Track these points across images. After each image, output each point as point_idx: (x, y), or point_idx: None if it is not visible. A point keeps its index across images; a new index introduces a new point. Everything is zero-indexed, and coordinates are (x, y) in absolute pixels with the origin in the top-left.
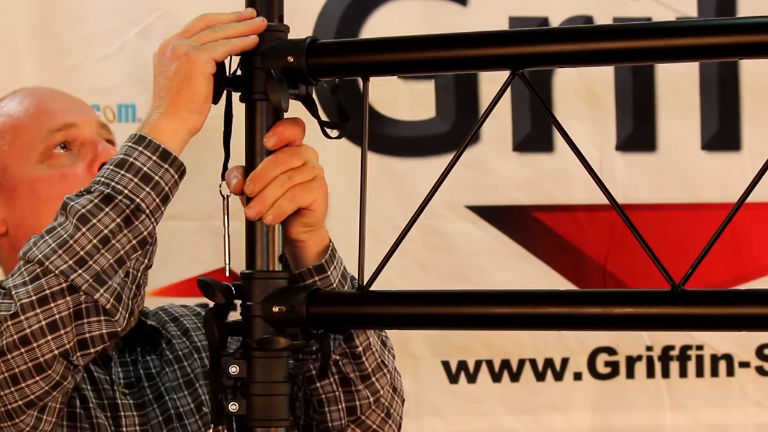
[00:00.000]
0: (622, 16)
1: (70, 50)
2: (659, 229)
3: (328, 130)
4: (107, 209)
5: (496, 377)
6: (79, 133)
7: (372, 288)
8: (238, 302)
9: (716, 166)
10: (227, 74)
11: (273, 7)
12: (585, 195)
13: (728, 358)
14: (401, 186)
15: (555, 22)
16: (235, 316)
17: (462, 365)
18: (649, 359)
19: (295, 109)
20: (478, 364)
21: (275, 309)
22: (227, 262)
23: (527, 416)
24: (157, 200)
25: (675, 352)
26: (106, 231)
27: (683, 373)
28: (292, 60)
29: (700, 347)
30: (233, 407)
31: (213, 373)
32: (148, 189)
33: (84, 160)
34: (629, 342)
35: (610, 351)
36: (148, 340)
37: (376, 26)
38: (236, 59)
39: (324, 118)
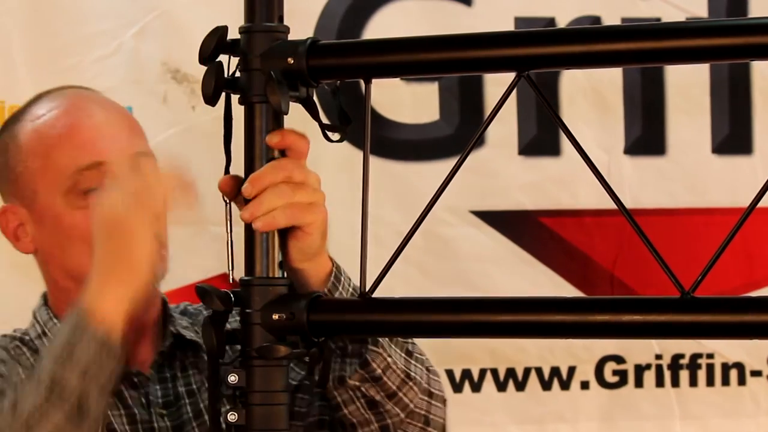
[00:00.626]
0: (630, 17)
1: (66, 51)
2: (668, 234)
3: (329, 134)
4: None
5: (501, 386)
6: (108, 171)
7: (374, 295)
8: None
9: (727, 169)
10: (226, 76)
11: (273, 7)
12: (592, 199)
13: (740, 366)
14: (404, 190)
15: (562, 23)
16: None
17: (466, 374)
18: (659, 368)
19: (296, 111)
20: (482, 372)
21: (275, 316)
22: (230, 269)
23: (533, 426)
24: (104, 393)
25: (685, 361)
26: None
27: (693, 382)
28: (292, 61)
29: (710, 355)
30: (232, 417)
31: (211, 383)
32: (92, 385)
33: None
34: (638, 350)
35: (618, 359)
36: (189, 352)
37: (379, 27)
38: (235, 60)
39: (325, 120)
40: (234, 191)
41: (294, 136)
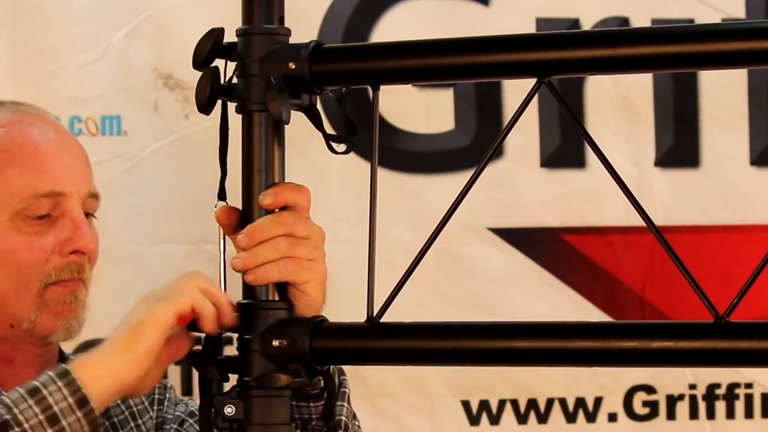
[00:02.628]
0: (661, 18)
1: (48, 56)
2: (703, 254)
3: (334, 145)
4: None
5: (522, 419)
6: (65, 204)
7: (382, 319)
8: (234, 335)
9: (766, 183)
10: (222, 82)
11: (273, 7)
12: (620, 216)
13: None
14: (416, 206)
15: (587, 25)
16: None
17: (484, 405)
18: (692, 398)
19: (297, 121)
20: (501, 404)
21: (275, 343)
22: (223, 291)
23: None
24: None
25: (721, 391)
26: None
27: (730, 414)
28: (293, 66)
29: (749, 385)
30: None
31: (203, 415)
32: (50, 431)
33: (58, 234)
34: (670, 379)
35: (649, 389)
36: None
37: (388, 29)
38: (231, 65)
39: (329, 131)
40: (231, 225)
41: (290, 193)
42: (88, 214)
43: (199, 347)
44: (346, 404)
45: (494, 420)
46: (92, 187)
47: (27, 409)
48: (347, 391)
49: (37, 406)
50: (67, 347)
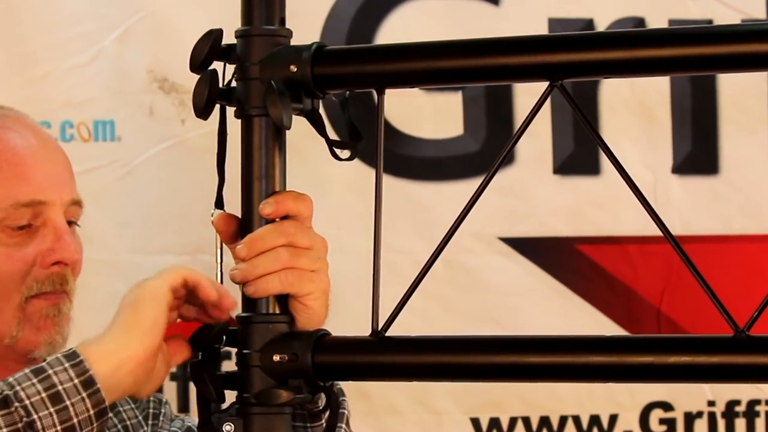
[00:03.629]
0: (678, 18)
1: (38, 58)
2: (722, 264)
3: (338, 151)
4: None
5: None
6: (46, 213)
7: (388, 333)
8: (233, 350)
9: None
10: (220, 85)
11: (273, 8)
12: (636, 225)
13: None
14: (423, 215)
15: (601, 26)
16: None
17: (494, 423)
18: (711, 416)
19: (299, 126)
20: (512, 421)
21: (276, 357)
22: None
23: None
24: (59, 428)
25: (741, 408)
26: None
27: None
28: (295, 69)
29: None
30: None
31: None
32: (52, 410)
33: (40, 244)
34: (688, 396)
35: (666, 406)
36: None
37: (394, 30)
38: (230, 68)
39: (333, 136)
40: (229, 233)
41: (291, 202)
42: (70, 223)
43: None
44: (344, 426)
45: None
46: (75, 194)
47: (29, 386)
48: (347, 413)
49: (41, 384)
50: None
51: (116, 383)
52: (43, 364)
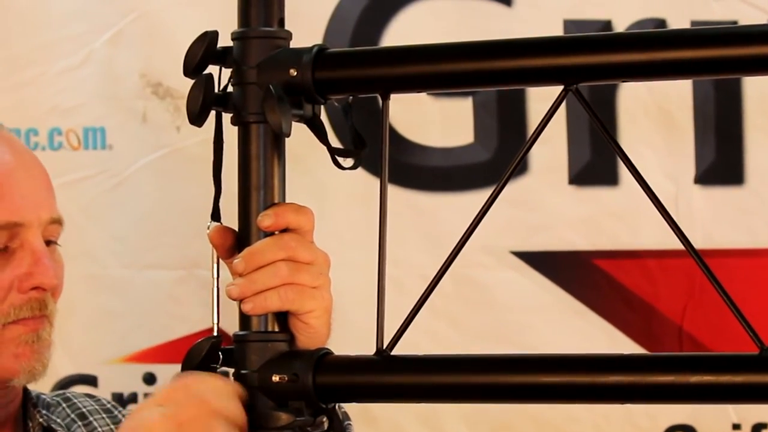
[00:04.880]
0: (701, 19)
1: (24, 61)
2: (747, 279)
3: (340, 160)
4: None
5: None
6: (23, 234)
7: (393, 352)
8: (230, 370)
9: None
10: (216, 91)
11: (272, 8)
12: (656, 239)
13: None
14: (430, 227)
15: (619, 27)
16: None
17: None
18: None
19: (300, 133)
20: None
21: (275, 378)
22: (215, 321)
23: None
24: None
25: None
26: None
27: None
28: (295, 73)
29: None
30: None
31: None
32: None
33: (17, 268)
34: (711, 418)
35: (688, 429)
36: None
37: (400, 31)
38: (226, 72)
39: (335, 144)
40: (226, 247)
41: (292, 215)
42: (50, 242)
43: None
44: None
45: None
46: (54, 211)
47: None
48: None
49: None
50: (47, 383)
51: None
52: None
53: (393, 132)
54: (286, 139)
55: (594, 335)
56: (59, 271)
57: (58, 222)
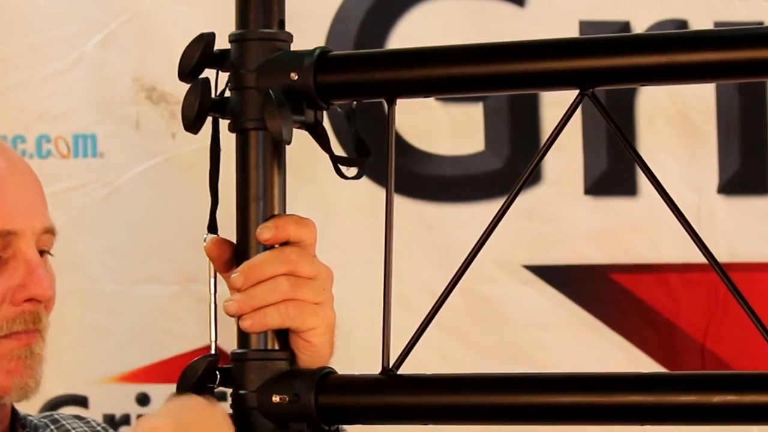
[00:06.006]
0: (725, 20)
1: (11, 64)
2: None
3: (344, 168)
4: None
5: None
6: (16, 244)
7: (400, 371)
8: (228, 390)
9: None
10: (213, 96)
11: (272, 9)
12: (677, 252)
13: None
14: (439, 239)
15: (639, 29)
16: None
17: None
18: None
19: (301, 140)
20: None
21: (275, 398)
22: (213, 339)
23: None
24: None
25: None
26: None
27: None
28: (296, 77)
29: None
30: None
31: None
32: None
33: (9, 279)
34: None
35: None
36: None
37: (407, 33)
38: (224, 76)
39: (338, 152)
40: (224, 260)
41: (293, 227)
42: (42, 252)
43: None
44: None
45: None
46: (48, 220)
47: None
48: None
49: None
50: (35, 404)
51: None
52: None
53: (399, 139)
54: (287, 147)
55: (611, 353)
56: (53, 283)
57: (51, 232)
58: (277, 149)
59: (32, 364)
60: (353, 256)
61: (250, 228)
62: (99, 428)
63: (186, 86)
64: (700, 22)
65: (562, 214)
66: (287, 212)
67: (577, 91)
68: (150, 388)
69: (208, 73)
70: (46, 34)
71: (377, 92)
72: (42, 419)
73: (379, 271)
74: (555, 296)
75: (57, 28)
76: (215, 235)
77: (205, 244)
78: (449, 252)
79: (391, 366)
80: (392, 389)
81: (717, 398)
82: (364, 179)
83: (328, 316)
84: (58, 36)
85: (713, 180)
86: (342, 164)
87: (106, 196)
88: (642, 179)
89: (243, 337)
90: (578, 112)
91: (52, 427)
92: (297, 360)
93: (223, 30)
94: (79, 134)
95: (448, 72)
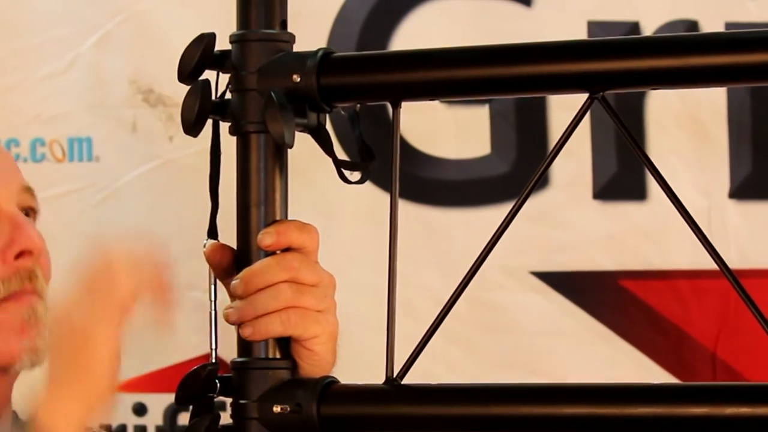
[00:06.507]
0: (736, 21)
1: (5, 66)
2: None
3: (347, 173)
4: None
5: None
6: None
7: (404, 381)
8: (228, 400)
9: None
10: (213, 98)
11: (273, 9)
12: (688, 258)
13: None
14: (444, 245)
15: (648, 30)
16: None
17: None
18: None
19: (303, 144)
20: None
21: (276, 409)
22: (213, 347)
23: None
24: None
25: None
26: None
27: None
28: (298, 79)
29: None
30: None
31: None
32: None
33: None
34: None
35: None
36: None
37: (411, 34)
38: (224, 77)
39: (341, 156)
40: (223, 267)
41: (295, 233)
42: (27, 213)
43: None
44: None
45: None
46: (24, 181)
47: None
48: None
49: None
50: None
51: None
52: None
53: (404, 143)
54: (289, 151)
55: (621, 362)
56: (42, 238)
57: (30, 192)
58: (278, 153)
59: (38, 324)
60: (357, 263)
61: (251, 234)
62: None
63: (184, 88)
64: (711, 22)
65: (570, 219)
66: (289, 217)
67: (586, 95)
68: (147, 398)
69: (209, 74)
70: (40, 35)
71: (382, 95)
72: None
73: (383, 278)
74: (563, 303)
75: (52, 29)
76: (215, 241)
77: (204, 249)
78: (455, 258)
79: (395, 375)
80: (396, 399)
81: (730, 410)
82: (368, 184)
83: (331, 324)
84: (52, 37)
85: (724, 185)
86: (345, 169)
87: (102, 201)
88: (652, 184)
89: (243, 345)
90: (587, 115)
91: None
92: (299, 369)
93: (223, 30)
94: (75, 137)
95: (455, 74)
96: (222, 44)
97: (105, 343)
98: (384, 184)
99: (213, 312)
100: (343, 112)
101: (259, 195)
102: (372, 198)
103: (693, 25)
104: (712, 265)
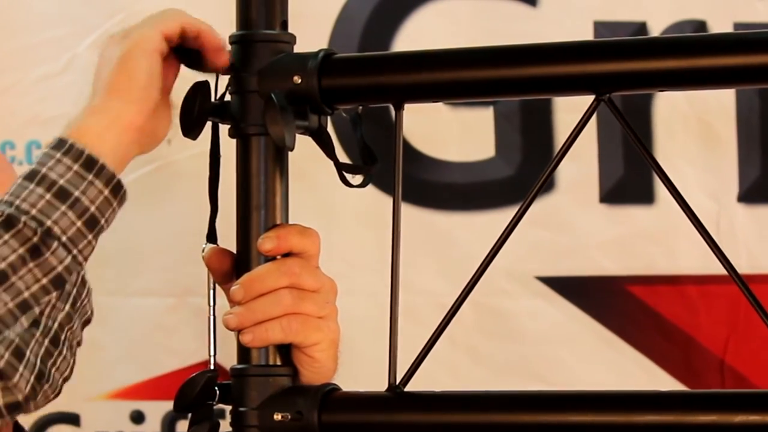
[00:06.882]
0: (745, 21)
1: (1, 67)
2: None
3: (349, 176)
4: (6, 236)
5: None
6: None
7: (407, 388)
8: (227, 408)
9: None
10: (212, 99)
11: (274, 9)
12: (696, 263)
13: None
14: (448, 250)
15: (655, 30)
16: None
17: None
18: None
19: (304, 146)
20: None
21: (277, 416)
22: (212, 353)
23: None
24: (78, 224)
25: None
26: (3, 265)
27: None
28: (299, 81)
29: None
30: None
31: None
32: (63, 208)
33: None
34: None
35: None
36: None
37: (414, 35)
38: (224, 79)
39: (343, 159)
40: (223, 272)
41: (296, 238)
42: None
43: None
44: None
45: None
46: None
47: (30, 194)
48: None
49: (40, 187)
50: (26, 422)
51: (120, 157)
52: (33, 166)
53: (407, 145)
54: (290, 153)
55: (628, 369)
56: None
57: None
58: (279, 156)
59: None
60: (359, 268)
61: (251, 238)
62: None
63: (183, 90)
64: (719, 23)
65: (576, 223)
66: (290, 222)
67: (592, 97)
68: (144, 405)
69: (208, 76)
70: (36, 36)
71: (384, 96)
72: None
73: (385, 283)
74: (569, 309)
75: (48, 30)
76: (214, 245)
77: (203, 254)
78: (459, 263)
79: (398, 382)
80: (399, 407)
81: (739, 418)
82: (370, 187)
83: (332, 330)
84: (48, 38)
85: (733, 188)
86: (347, 172)
87: None
88: (659, 187)
89: (243, 352)
90: (593, 117)
91: None
92: (300, 376)
93: (222, 31)
94: None
95: (459, 76)
96: None
97: (142, 51)
98: (386, 187)
99: (212, 318)
100: (344, 114)
101: (260, 198)
102: (374, 201)
103: (701, 25)
104: (720, 270)
